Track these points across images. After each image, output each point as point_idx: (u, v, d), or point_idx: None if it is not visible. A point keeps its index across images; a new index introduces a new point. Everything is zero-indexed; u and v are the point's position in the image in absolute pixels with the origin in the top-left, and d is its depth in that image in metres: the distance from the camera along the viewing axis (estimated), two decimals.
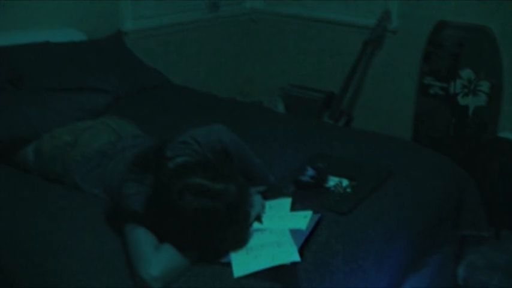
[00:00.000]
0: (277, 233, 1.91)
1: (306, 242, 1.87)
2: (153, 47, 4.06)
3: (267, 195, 2.15)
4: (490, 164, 3.43)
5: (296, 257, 1.75)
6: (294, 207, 2.09)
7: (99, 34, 3.59)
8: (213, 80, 4.54)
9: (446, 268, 2.69)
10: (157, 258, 1.71)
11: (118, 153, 2.23)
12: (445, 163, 2.59)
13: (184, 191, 1.72)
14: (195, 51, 4.43)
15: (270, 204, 2.09)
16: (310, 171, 2.26)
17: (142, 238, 1.78)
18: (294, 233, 1.89)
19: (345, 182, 2.25)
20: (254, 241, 1.87)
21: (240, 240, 1.85)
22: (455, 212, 2.50)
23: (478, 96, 3.61)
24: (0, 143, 2.56)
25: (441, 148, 3.14)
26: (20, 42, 3.15)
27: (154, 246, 1.76)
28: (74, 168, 2.28)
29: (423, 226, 2.26)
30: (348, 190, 2.21)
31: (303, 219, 1.98)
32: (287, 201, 2.11)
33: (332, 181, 2.26)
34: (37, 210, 2.11)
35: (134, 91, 3.29)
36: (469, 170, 2.69)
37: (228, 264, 1.76)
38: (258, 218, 1.99)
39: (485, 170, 3.40)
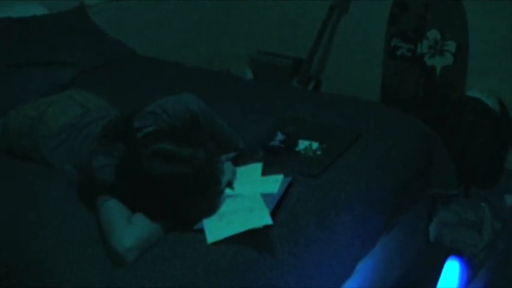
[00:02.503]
0: (249, 198, 1.91)
1: (278, 206, 1.87)
2: (117, 19, 4.00)
3: (238, 162, 2.14)
4: (458, 123, 3.46)
5: (268, 220, 1.75)
6: (265, 172, 2.08)
7: (61, 7, 3.52)
8: (179, 49, 4.49)
9: (418, 227, 2.73)
10: (130, 229, 1.70)
11: (86, 126, 2.21)
12: (413, 123, 2.61)
13: (152, 157, 1.71)
14: (160, 21, 4.37)
15: (241, 170, 2.09)
16: (280, 136, 2.26)
17: (114, 210, 1.77)
18: (266, 197, 1.90)
19: (315, 145, 2.25)
20: (226, 207, 1.87)
21: (211, 207, 1.85)
22: (425, 171, 2.52)
23: (445, 56, 3.63)
24: None
25: (410, 109, 3.16)
26: None
27: (126, 217, 1.75)
28: (42, 143, 2.26)
29: (393, 186, 2.28)
30: (318, 153, 2.21)
31: (274, 183, 1.98)
32: (258, 167, 2.11)
33: (302, 144, 2.26)
34: (7, 188, 2.09)
35: (99, 64, 3.25)
36: (438, 129, 2.70)
37: (201, 231, 1.76)
38: (229, 185, 1.99)
39: (454, 129, 3.43)
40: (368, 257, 2.16)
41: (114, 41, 3.55)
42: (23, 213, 1.94)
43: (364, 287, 2.21)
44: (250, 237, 1.72)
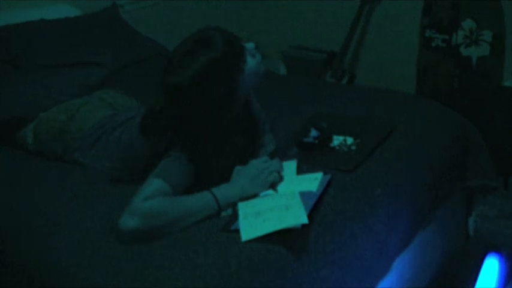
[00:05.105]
0: (287, 196, 1.88)
1: (316, 204, 1.84)
2: (149, 17, 4.01)
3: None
4: (495, 114, 3.40)
5: (304, 219, 1.72)
6: (300, 169, 2.05)
7: (94, 8, 3.54)
8: None
9: (456, 220, 2.68)
10: (140, 207, 1.70)
11: (118, 127, 2.20)
12: (450, 114, 2.56)
13: None
14: (191, 19, 4.37)
15: None
16: (314, 132, 2.22)
17: (151, 182, 1.78)
18: (304, 195, 1.86)
19: (350, 140, 2.22)
20: (263, 205, 1.84)
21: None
22: (462, 163, 2.48)
23: (481, 46, 3.57)
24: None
25: (446, 100, 3.11)
26: (15, 22, 3.11)
27: (146, 196, 1.74)
28: (74, 146, 2.26)
29: (430, 179, 2.24)
30: (353, 148, 2.18)
31: (314, 182, 1.95)
32: (293, 164, 2.09)
33: (336, 140, 2.23)
34: (36, 188, 2.11)
35: (131, 63, 3.25)
36: (475, 120, 2.66)
37: (237, 231, 1.73)
38: (273, 186, 1.95)
39: (491, 120, 3.38)
40: (405, 254, 2.13)
41: (146, 39, 3.55)
42: (45, 211, 1.97)
43: (401, 284, 2.18)
44: (286, 237, 1.70)
